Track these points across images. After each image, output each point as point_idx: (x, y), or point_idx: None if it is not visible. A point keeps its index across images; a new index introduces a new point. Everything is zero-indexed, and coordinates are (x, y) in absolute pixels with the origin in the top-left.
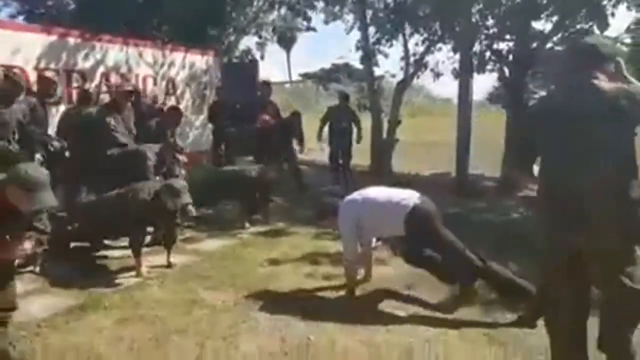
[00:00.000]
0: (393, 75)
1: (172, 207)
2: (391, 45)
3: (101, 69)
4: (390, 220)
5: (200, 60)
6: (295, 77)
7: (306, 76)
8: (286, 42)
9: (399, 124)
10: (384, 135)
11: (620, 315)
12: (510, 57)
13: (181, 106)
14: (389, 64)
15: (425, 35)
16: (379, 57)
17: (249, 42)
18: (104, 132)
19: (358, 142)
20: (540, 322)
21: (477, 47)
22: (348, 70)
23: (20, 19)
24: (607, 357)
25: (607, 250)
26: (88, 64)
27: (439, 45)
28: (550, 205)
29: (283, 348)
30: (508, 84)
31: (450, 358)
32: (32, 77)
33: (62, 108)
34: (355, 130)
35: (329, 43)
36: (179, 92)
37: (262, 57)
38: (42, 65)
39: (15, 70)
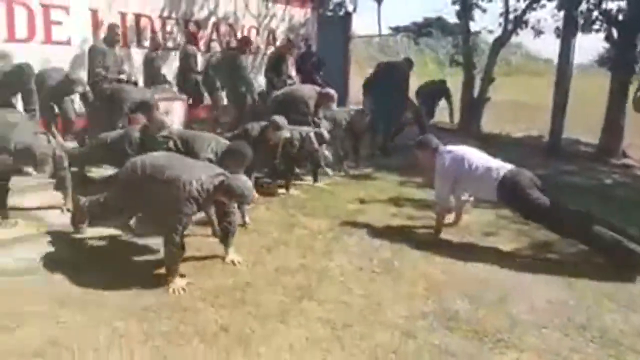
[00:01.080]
0: (490, 32)
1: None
2: (490, 0)
3: (213, 19)
4: (483, 185)
5: (299, 13)
6: (384, 31)
7: (397, 30)
8: None
9: (492, 82)
10: (475, 93)
11: None
12: (620, 17)
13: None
14: (487, 20)
15: None
16: (476, 12)
17: None
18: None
19: None
20: None
21: (583, 6)
22: (441, 25)
23: None
24: None
25: None
26: (202, 14)
27: (542, 1)
28: None
29: (371, 267)
30: (616, 47)
31: (520, 292)
32: (158, 24)
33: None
34: None
35: None
36: (278, 43)
37: (354, 10)
38: (165, 14)
39: (143, 18)
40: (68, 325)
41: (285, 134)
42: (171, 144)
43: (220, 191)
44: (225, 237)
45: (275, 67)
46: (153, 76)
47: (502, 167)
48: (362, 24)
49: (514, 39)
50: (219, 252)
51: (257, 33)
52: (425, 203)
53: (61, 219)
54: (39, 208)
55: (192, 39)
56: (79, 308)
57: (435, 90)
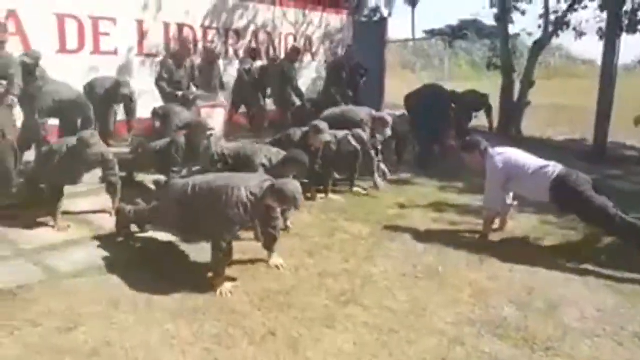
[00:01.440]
0: (530, 34)
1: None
2: (530, 2)
3: (252, 28)
4: (536, 185)
5: (335, 19)
6: (418, 35)
7: (431, 33)
8: None
9: (532, 85)
10: (515, 96)
11: None
12: None
13: (315, 62)
14: (525, 22)
15: None
16: (515, 14)
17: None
18: None
19: None
20: None
21: (628, 6)
22: (477, 27)
23: None
24: None
25: None
26: (242, 24)
27: (584, 2)
28: None
29: (414, 272)
30: None
31: (569, 299)
32: (199, 34)
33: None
34: None
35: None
36: (314, 49)
37: (389, 15)
38: (207, 24)
39: (186, 28)
40: (122, 326)
41: (327, 137)
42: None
43: (270, 196)
44: (269, 242)
45: (335, 78)
46: (205, 84)
47: (555, 165)
48: (396, 28)
49: (553, 41)
50: (262, 256)
51: (295, 40)
52: (467, 209)
53: (110, 223)
54: (89, 212)
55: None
56: (131, 309)
57: (477, 103)
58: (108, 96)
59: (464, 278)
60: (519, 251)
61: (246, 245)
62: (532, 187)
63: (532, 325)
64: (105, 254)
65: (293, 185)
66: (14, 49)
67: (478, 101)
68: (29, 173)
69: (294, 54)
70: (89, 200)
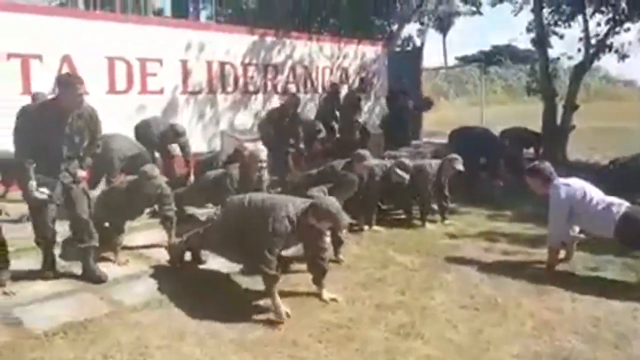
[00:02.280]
0: (570, 57)
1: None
2: (569, 26)
3: (290, 63)
4: (600, 221)
5: (370, 51)
6: (450, 61)
7: (464, 60)
8: (444, 27)
9: (575, 109)
10: (558, 120)
11: None
12: None
13: None
14: (563, 45)
15: (610, 14)
16: (552, 38)
17: (410, 29)
18: None
19: None
20: None
21: None
22: (511, 52)
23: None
24: None
25: None
26: (280, 59)
27: (626, 24)
28: None
29: (473, 304)
30: None
31: (638, 331)
32: (240, 70)
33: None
34: None
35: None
36: (350, 80)
37: (422, 44)
38: (246, 61)
39: (227, 66)
40: (189, 358)
41: (370, 163)
42: None
43: (312, 213)
44: (317, 276)
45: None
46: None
47: (620, 204)
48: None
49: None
50: (315, 289)
51: (331, 73)
52: (519, 237)
53: (167, 256)
54: (145, 246)
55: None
56: (196, 342)
57: (526, 140)
58: (163, 138)
59: (524, 309)
60: (579, 281)
61: (299, 277)
62: (597, 221)
63: (601, 357)
64: (165, 286)
65: (331, 201)
66: None
67: (529, 139)
68: (94, 214)
69: (368, 85)
70: (145, 234)
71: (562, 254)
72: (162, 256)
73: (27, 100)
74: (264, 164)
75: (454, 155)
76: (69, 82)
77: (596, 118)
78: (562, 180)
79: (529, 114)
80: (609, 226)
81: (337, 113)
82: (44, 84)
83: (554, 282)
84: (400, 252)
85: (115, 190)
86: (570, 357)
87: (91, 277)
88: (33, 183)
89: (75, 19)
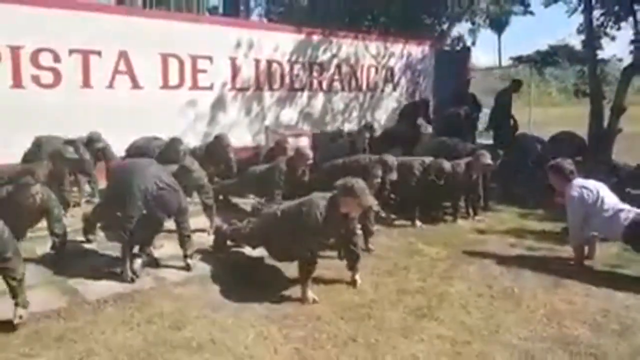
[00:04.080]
0: (620, 60)
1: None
2: (619, 28)
3: (335, 61)
4: (610, 225)
5: (416, 50)
6: (505, 61)
7: (519, 60)
8: (499, 26)
9: (623, 112)
10: (604, 124)
11: None
12: None
13: (396, 92)
14: (616, 47)
15: None
16: (604, 40)
17: (461, 28)
18: None
19: None
20: None
21: None
22: (568, 52)
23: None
24: None
25: None
26: (326, 57)
27: None
28: None
29: (490, 292)
30: None
31: None
32: (287, 68)
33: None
34: None
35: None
36: (395, 79)
37: (473, 43)
38: (293, 59)
39: (274, 63)
40: (222, 327)
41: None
42: None
43: (339, 196)
44: (352, 261)
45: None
46: None
47: (629, 211)
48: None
49: None
50: (344, 272)
51: (376, 72)
52: (546, 235)
53: (208, 240)
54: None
55: None
56: (230, 314)
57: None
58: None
59: (539, 300)
60: (597, 277)
61: (329, 262)
62: (607, 225)
63: (604, 344)
64: (206, 266)
65: (353, 180)
66: (125, 85)
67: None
68: None
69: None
70: (190, 220)
71: (585, 250)
72: (205, 240)
73: (87, 93)
74: (310, 160)
75: (482, 152)
76: None
77: None
78: (580, 181)
79: (579, 117)
80: (617, 230)
81: None
82: (103, 77)
83: (572, 277)
84: (427, 244)
85: None
86: (574, 342)
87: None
88: None
89: (131, 17)
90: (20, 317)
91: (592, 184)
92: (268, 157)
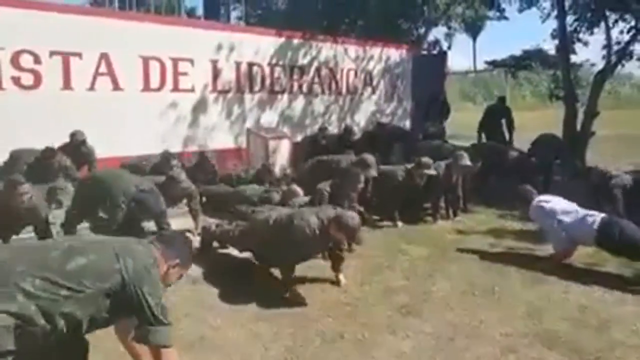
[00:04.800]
0: (593, 64)
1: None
2: (591, 34)
3: (315, 64)
4: (579, 233)
5: (394, 54)
6: (480, 65)
7: (493, 64)
8: (474, 30)
9: (595, 116)
10: (578, 127)
11: None
12: None
13: (375, 96)
14: (588, 52)
15: (633, 23)
16: (578, 45)
17: (437, 32)
18: None
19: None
20: None
21: None
22: (541, 57)
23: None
24: None
25: None
26: (306, 60)
27: None
28: None
29: (472, 290)
30: None
31: (621, 318)
32: (267, 71)
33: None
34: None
35: (517, 30)
36: (374, 82)
37: (449, 47)
38: (273, 62)
39: (255, 66)
40: (213, 326)
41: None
42: None
43: (333, 224)
44: (336, 263)
45: None
46: None
47: (595, 214)
48: (457, 59)
49: (624, 70)
50: (327, 272)
51: (355, 75)
52: (524, 235)
53: (195, 242)
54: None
55: None
56: (220, 313)
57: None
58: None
59: (519, 297)
60: (575, 274)
61: (312, 262)
62: (577, 234)
63: (583, 338)
64: (195, 267)
65: (351, 215)
66: (106, 87)
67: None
68: None
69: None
70: (175, 222)
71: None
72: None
73: (67, 95)
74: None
75: (460, 152)
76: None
77: (624, 125)
78: (540, 197)
79: (553, 120)
80: (589, 236)
81: None
82: (83, 79)
83: (550, 274)
84: (409, 244)
85: None
86: (554, 336)
87: None
88: None
89: (111, 19)
90: None
91: (551, 197)
92: (255, 178)
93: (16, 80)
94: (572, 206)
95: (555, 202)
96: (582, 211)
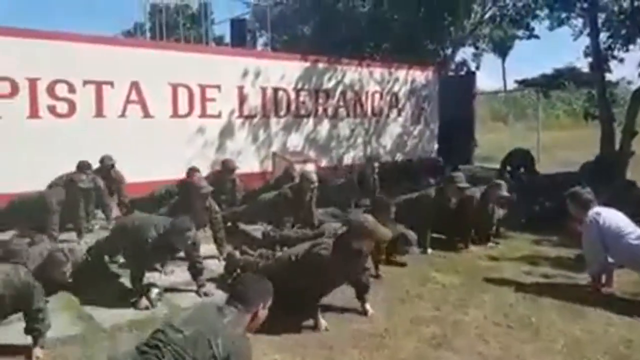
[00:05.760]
0: (629, 82)
1: None
2: (627, 51)
3: (340, 88)
4: (632, 254)
5: (420, 76)
6: (510, 85)
7: (524, 83)
8: (502, 50)
9: (635, 135)
10: (616, 147)
11: None
12: None
13: (401, 118)
14: (624, 70)
15: None
16: (613, 63)
17: (464, 53)
18: None
19: None
20: None
21: None
22: (574, 76)
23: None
24: None
25: None
26: (331, 84)
27: None
28: None
29: (506, 322)
30: None
31: None
32: (292, 95)
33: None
34: None
35: (547, 48)
36: (400, 105)
37: (477, 68)
38: (299, 86)
39: (280, 91)
40: None
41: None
42: None
43: (351, 233)
44: (361, 290)
45: None
46: None
47: None
48: (486, 79)
49: None
50: (353, 301)
51: (381, 97)
52: (561, 261)
53: (219, 268)
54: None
55: None
56: None
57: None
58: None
59: (557, 329)
60: (617, 305)
61: (338, 290)
62: (629, 255)
63: None
64: (218, 292)
65: (364, 217)
66: (136, 114)
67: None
68: None
69: None
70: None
71: (603, 279)
72: (216, 267)
73: (100, 122)
74: (315, 184)
75: (498, 182)
76: None
77: None
78: (596, 209)
79: (588, 139)
80: (636, 260)
81: None
82: (115, 107)
83: (591, 305)
84: (439, 271)
85: None
86: None
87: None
88: None
89: (142, 49)
90: (37, 358)
91: (609, 212)
92: (276, 184)
93: (52, 109)
94: (629, 224)
95: (605, 218)
96: (638, 230)
